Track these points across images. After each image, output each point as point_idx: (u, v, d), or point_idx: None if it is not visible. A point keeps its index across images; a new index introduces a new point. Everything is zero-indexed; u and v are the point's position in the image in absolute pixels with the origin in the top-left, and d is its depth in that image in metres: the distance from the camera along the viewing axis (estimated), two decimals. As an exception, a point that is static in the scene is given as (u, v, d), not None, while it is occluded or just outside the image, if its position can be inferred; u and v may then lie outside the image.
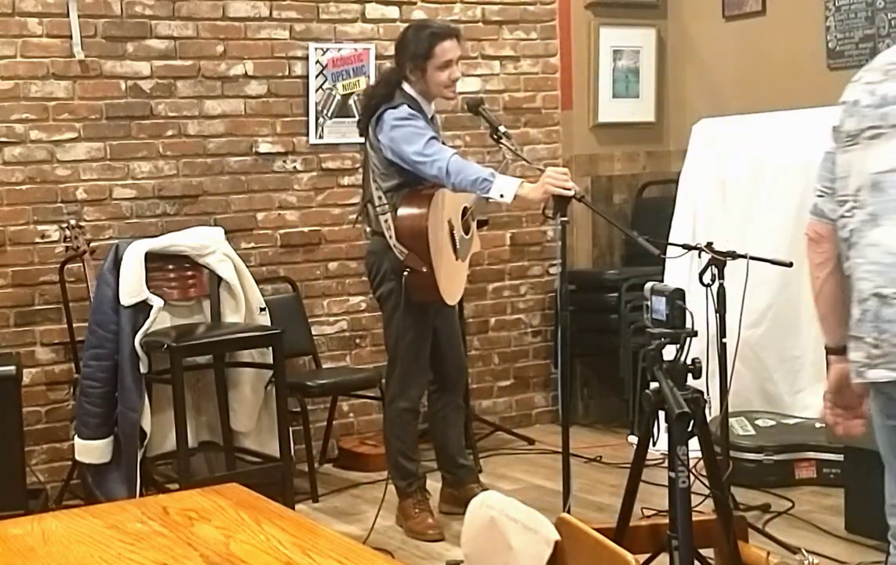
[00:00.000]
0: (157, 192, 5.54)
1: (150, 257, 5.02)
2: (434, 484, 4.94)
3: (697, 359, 3.19)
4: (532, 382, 6.58)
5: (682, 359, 3.16)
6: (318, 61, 5.86)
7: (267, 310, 5.33)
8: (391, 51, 4.83)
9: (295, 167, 5.87)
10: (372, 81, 5.76)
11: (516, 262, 6.52)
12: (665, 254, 4.50)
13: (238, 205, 5.73)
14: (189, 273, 5.19)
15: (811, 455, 5.08)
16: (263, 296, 5.41)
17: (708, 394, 3.35)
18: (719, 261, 4.35)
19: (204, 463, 5.28)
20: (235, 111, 5.70)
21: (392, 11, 6.05)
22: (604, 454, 5.69)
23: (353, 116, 5.72)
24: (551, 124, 6.60)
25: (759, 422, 5.37)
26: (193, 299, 5.23)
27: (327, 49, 5.89)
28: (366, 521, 4.80)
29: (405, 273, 4.49)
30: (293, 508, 4.61)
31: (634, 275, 6.01)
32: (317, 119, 5.88)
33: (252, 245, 5.75)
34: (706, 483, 3.34)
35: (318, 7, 5.88)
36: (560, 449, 4.12)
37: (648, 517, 4.31)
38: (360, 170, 4.95)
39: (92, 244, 5.10)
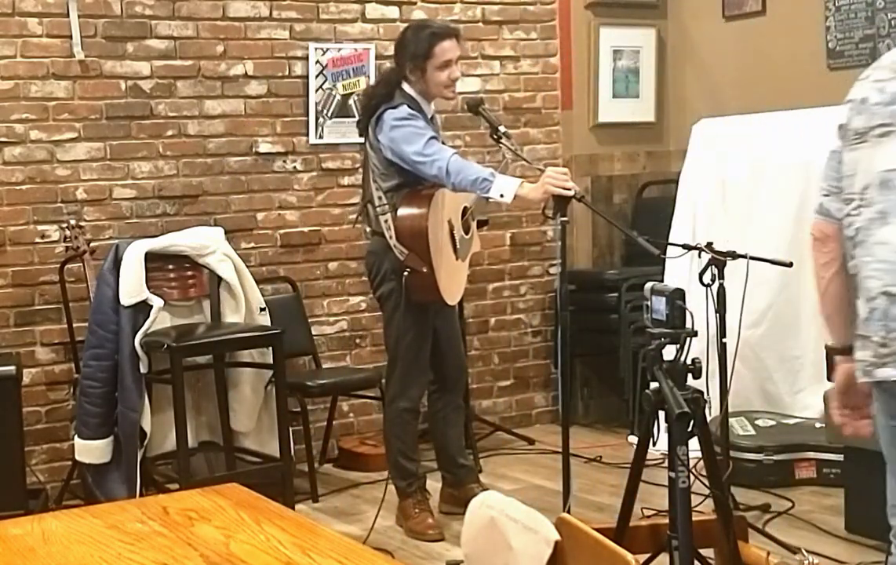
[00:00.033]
0: (157, 192, 5.54)
1: (150, 257, 5.02)
2: (434, 484, 4.94)
3: (697, 359, 3.19)
4: (532, 382, 6.58)
5: (682, 359, 3.16)
6: (318, 61, 5.86)
7: (267, 310, 5.33)
8: (391, 51, 4.83)
9: (295, 167, 5.87)
10: (372, 81, 5.75)
11: (516, 262, 6.52)
12: (665, 254, 4.50)
13: (238, 205, 5.73)
14: (189, 273, 5.19)
15: (811, 455, 5.08)
16: (263, 296, 5.41)
17: (708, 394, 3.35)
18: (719, 261, 4.35)
19: (204, 463, 5.28)
20: (235, 111, 5.70)
21: (392, 11, 6.05)
22: (604, 454, 5.69)
23: (353, 116, 5.72)
24: (551, 124, 6.60)
25: (759, 422, 5.37)
26: (193, 299, 5.23)
27: (327, 49, 5.89)
28: (366, 521, 4.80)
29: (405, 273, 4.49)
30: (293, 508, 4.61)
31: (634, 275, 6.01)
32: (317, 119, 5.88)
33: (252, 245, 5.75)
34: (706, 483, 3.35)
35: (318, 7, 5.88)
36: (560, 449, 4.12)
37: (648, 517, 4.31)
38: (360, 170, 4.95)
39: (92, 244, 5.10)
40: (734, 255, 4.36)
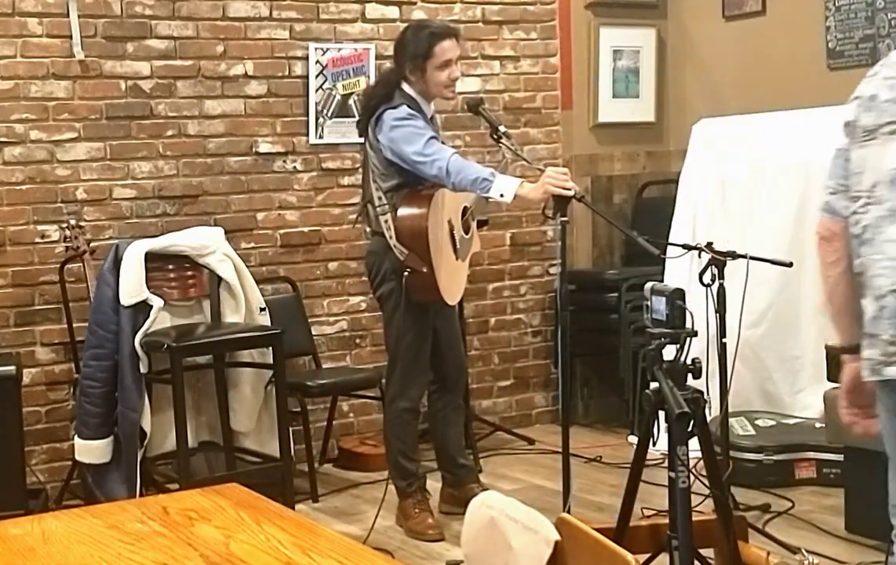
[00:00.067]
0: (157, 192, 5.54)
1: (150, 257, 5.02)
2: (434, 484, 4.94)
3: (697, 359, 3.19)
4: (532, 382, 6.58)
5: (682, 359, 3.16)
6: (318, 61, 5.86)
7: (267, 310, 5.33)
8: (391, 51, 4.83)
9: (295, 167, 5.87)
10: (372, 81, 5.75)
11: (516, 262, 6.52)
12: (665, 254, 4.50)
13: (238, 205, 5.73)
14: (189, 273, 5.19)
15: (811, 455, 5.08)
16: (263, 296, 5.41)
17: (708, 394, 3.35)
18: (719, 261, 4.35)
19: (204, 463, 5.28)
20: (235, 111, 5.70)
21: (392, 11, 6.05)
22: (604, 454, 5.69)
23: (353, 116, 5.72)
24: (551, 124, 6.60)
25: (759, 422, 5.37)
26: (193, 299, 5.23)
27: (327, 49, 5.89)
28: (366, 521, 4.80)
29: (405, 273, 4.49)
30: (293, 508, 4.61)
31: (634, 275, 6.01)
32: (317, 119, 5.88)
33: (252, 245, 5.75)
34: (706, 483, 3.35)
35: (318, 7, 5.88)
36: (560, 449, 4.12)
37: (648, 517, 4.31)
38: (360, 170, 4.95)
39: (92, 244, 5.10)
40: (734, 255, 4.35)
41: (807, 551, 3.91)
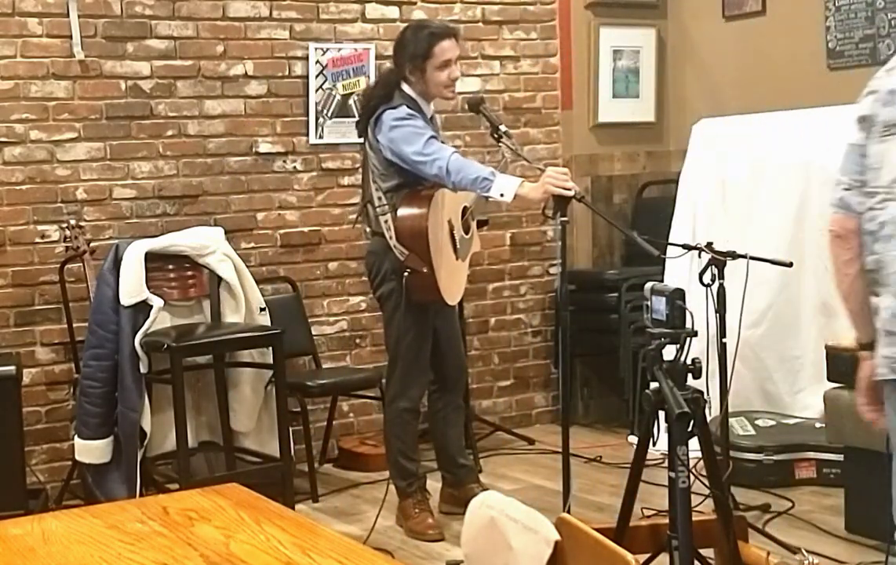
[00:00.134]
0: (157, 192, 5.54)
1: (150, 257, 5.02)
2: (434, 484, 4.94)
3: (697, 359, 3.19)
4: (532, 382, 6.58)
5: (682, 359, 3.16)
6: (318, 61, 5.86)
7: (267, 310, 5.33)
8: (391, 51, 4.83)
9: (295, 167, 5.87)
10: (372, 81, 5.75)
11: (516, 262, 6.52)
12: (665, 254, 4.50)
13: (238, 205, 5.73)
14: (189, 273, 5.19)
15: (811, 455, 5.08)
16: (263, 296, 5.41)
17: (708, 394, 3.35)
18: (719, 261, 4.35)
19: (204, 463, 5.28)
20: (235, 111, 5.70)
21: (392, 11, 6.05)
22: (604, 454, 5.69)
23: (353, 116, 5.71)
24: (551, 124, 6.60)
25: (759, 422, 5.37)
26: (193, 299, 5.23)
27: (327, 49, 5.89)
28: (366, 521, 4.80)
29: (406, 273, 4.49)
30: (293, 508, 4.61)
31: (634, 275, 6.01)
32: (317, 119, 5.88)
33: (252, 245, 5.75)
34: (706, 483, 3.35)
35: (318, 7, 5.88)
36: (560, 449, 4.12)
37: (648, 517, 4.31)
38: (360, 170, 4.95)
39: (92, 244, 5.10)
40: (734, 255, 4.35)
41: (807, 551, 3.92)
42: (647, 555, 3.27)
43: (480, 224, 5.31)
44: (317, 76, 5.86)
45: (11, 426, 4.74)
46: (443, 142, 4.56)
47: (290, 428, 5.08)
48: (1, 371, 4.78)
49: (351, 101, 5.90)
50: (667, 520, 3.22)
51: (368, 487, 5.40)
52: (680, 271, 4.98)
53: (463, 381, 5.10)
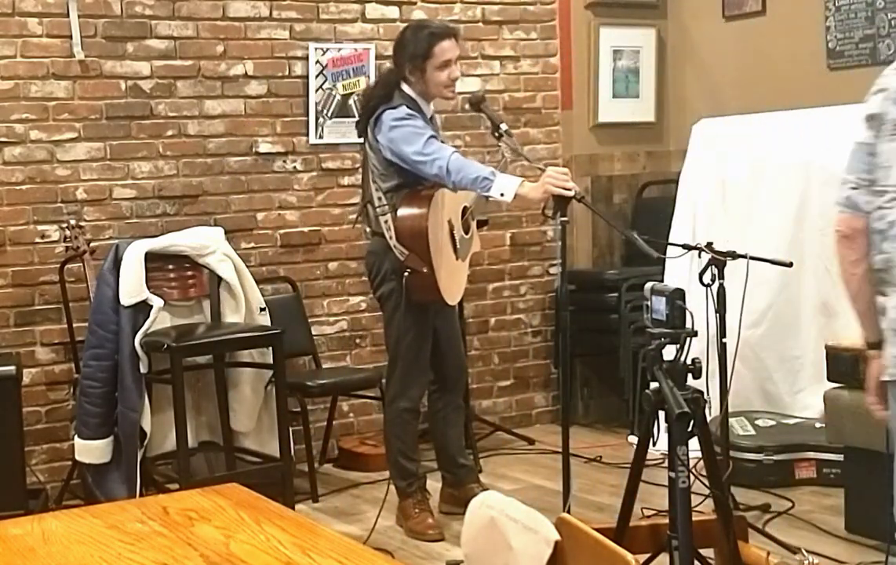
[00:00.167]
0: (157, 192, 5.54)
1: (150, 257, 5.02)
2: (434, 484, 4.94)
3: (697, 359, 3.19)
4: (532, 382, 6.58)
5: (682, 359, 3.16)
6: (318, 61, 5.86)
7: (267, 310, 5.33)
8: (391, 51, 4.83)
9: (295, 167, 5.87)
10: (372, 81, 5.75)
11: (516, 262, 6.52)
12: (664, 254, 4.50)
13: (238, 205, 5.73)
14: (189, 273, 5.19)
15: (811, 455, 5.08)
16: (263, 296, 5.41)
17: (708, 394, 3.35)
18: (719, 261, 4.35)
19: (204, 463, 5.28)
20: (235, 111, 5.70)
21: (392, 11, 6.05)
22: (604, 454, 5.69)
23: (353, 116, 5.71)
24: (551, 124, 6.60)
25: (759, 422, 5.37)
26: (193, 299, 5.23)
27: (327, 49, 5.89)
28: (366, 521, 4.81)
29: (406, 273, 4.49)
30: (293, 508, 4.61)
31: (634, 275, 6.01)
32: (317, 119, 5.88)
33: (252, 245, 5.75)
34: (706, 483, 3.34)
35: (318, 7, 5.88)
36: (560, 449, 4.12)
37: (648, 517, 4.31)
38: (360, 170, 4.95)
39: (92, 244, 5.10)
40: (734, 255, 4.35)
41: (807, 551, 3.92)
42: (647, 555, 3.27)
43: (480, 224, 5.31)
44: (317, 76, 5.86)
45: (11, 426, 4.74)
46: (443, 142, 4.56)
47: (290, 428, 5.08)
48: (1, 371, 4.78)
49: (351, 101, 5.90)
50: (667, 520, 3.22)
51: (368, 487, 5.40)
52: (680, 271, 4.98)
53: (463, 381, 5.10)
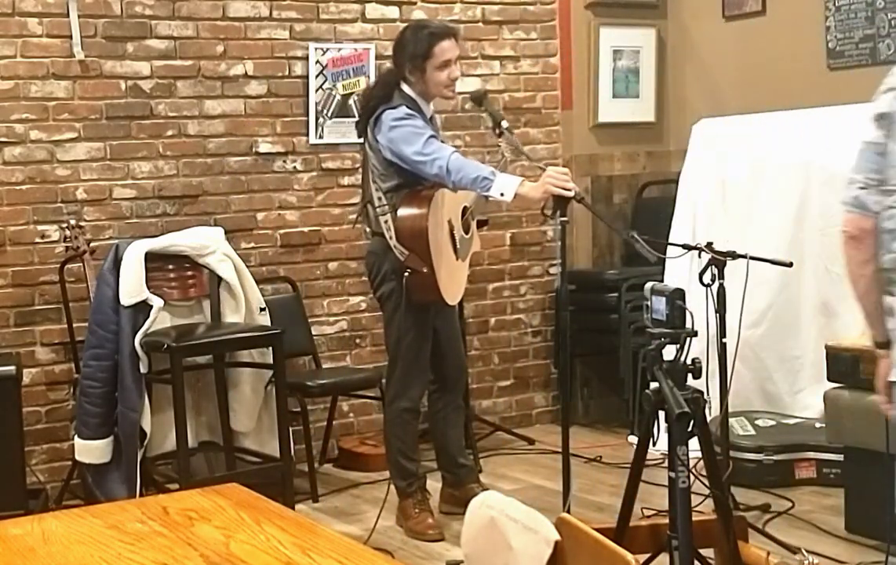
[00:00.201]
0: (157, 192, 5.54)
1: (150, 257, 5.02)
2: (434, 484, 4.94)
3: (697, 359, 3.19)
4: (532, 382, 6.58)
5: (682, 359, 3.16)
6: (318, 61, 5.86)
7: (267, 310, 5.33)
8: (391, 51, 4.83)
9: (295, 167, 5.87)
10: (372, 81, 5.75)
11: (516, 262, 6.52)
12: (663, 255, 4.50)
13: (238, 205, 5.73)
14: (189, 273, 5.19)
15: (811, 455, 5.08)
16: (263, 296, 5.41)
17: (708, 394, 3.35)
18: (719, 261, 4.35)
19: (204, 463, 5.28)
20: (235, 111, 5.70)
21: (392, 11, 6.05)
22: (604, 454, 5.69)
23: (353, 116, 5.71)
24: (551, 124, 6.60)
25: (759, 422, 5.37)
26: (193, 299, 5.23)
27: (327, 49, 5.89)
28: (366, 521, 4.81)
29: (406, 273, 4.49)
30: (293, 508, 4.61)
31: (634, 275, 6.01)
32: (317, 119, 5.88)
33: (252, 245, 5.75)
34: (706, 483, 3.34)
35: (318, 7, 5.88)
36: (560, 449, 4.12)
37: (648, 517, 4.31)
38: (360, 170, 4.95)
39: (92, 244, 5.10)
40: (734, 255, 4.36)
41: (807, 551, 3.91)
42: (647, 555, 3.27)
43: (480, 224, 5.31)
44: (317, 76, 5.86)
45: (11, 426, 4.74)
46: (442, 142, 4.56)
47: (290, 428, 5.08)
48: (1, 371, 4.78)
49: (351, 101, 5.89)
50: (667, 520, 3.22)
51: (368, 487, 5.40)
52: (680, 271, 4.99)
53: (463, 381, 5.10)
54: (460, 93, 5.29)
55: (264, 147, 5.77)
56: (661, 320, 3.19)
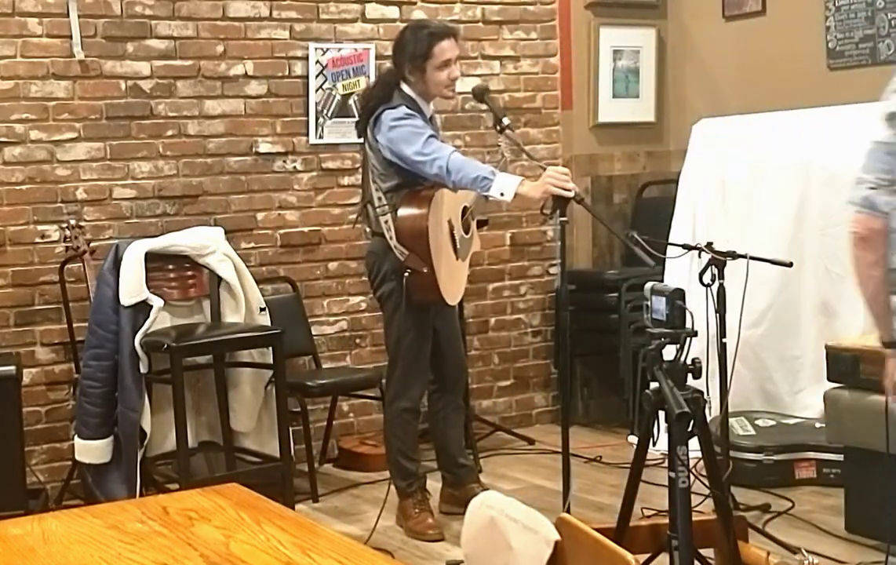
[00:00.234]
0: (157, 192, 5.54)
1: (150, 257, 5.02)
2: (434, 484, 4.94)
3: (697, 359, 3.19)
4: (532, 382, 6.58)
5: (682, 359, 3.16)
6: (318, 61, 5.86)
7: (267, 310, 5.33)
8: (391, 51, 4.83)
9: (295, 167, 5.87)
10: (372, 81, 5.75)
11: (516, 262, 6.52)
12: (663, 256, 4.50)
13: (238, 205, 5.73)
14: (189, 273, 5.19)
15: (811, 455, 5.08)
16: (263, 296, 5.41)
17: (708, 394, 3.35)
18: (719, 261, 4.35)
19: (204, 463, 5.28)
20: (235, 111, 5.70)
21: (392, 11, 6.05)
22: (604, 454, 5.69)
23: (353, 116, 5.71)
24: (551, 124, 6.60)
25: (759, 422, 5.37)
26: (193, 299, 5.23)
27: (327, 49, 5.89)
28: (366, 521, 4.81)
29: (406, 274, 4.49)
30: (293, 508, 4.61)
31: (634, 275, 6.01)
32: (317, 119, 5.88)
33: (252, 245, 5.75)
34: (706, 483, 3.34)
35: (318, 7, 5.88)
36: (560, 449, 4.12)
37: (648, 517, 4.31)
38: (360, 170, 4.95)
39: (92, 244, 5.10)
40: (734, 255, 4.36)
41: (807, 551, 3.91)
42: (647, 555, 3.27)
43: (480, 224, 5.31)
44: (317, 76, 5.86)
45: (11, 426, 4.74)
46: (442, 142, 4.55)
47: (290, 428, 5.08)
48: (1, 371, 4.78)
49: (351, 101, 5.89)
50: (667, 520, 3.22)
51: (368, 487, 5.40)
52: (680, 271, 4.98)
53: (463, 381, 5.10)
54: (460, 93, 5.29)
55: (264, 147, 5.78)
56: (661, 320, 3.19)
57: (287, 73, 5.82)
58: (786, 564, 3.88)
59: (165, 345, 4.76)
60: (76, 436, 4.99)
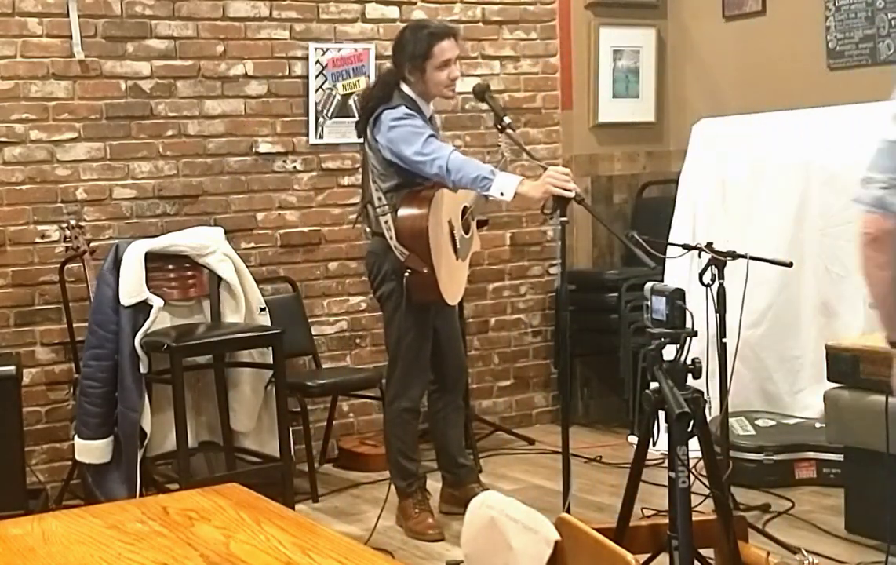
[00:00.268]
0: (157, 192, 5.54)
1: (150, 257, 5.03)
2: (434, 484, 4.94)
3: (697, 359, 3.19)
4: (532, 382, 6.58)
5: (682, 359, 3.16)
6: (318, 61, 5.86)
7: (267, 310, 5.33)
8: (391, 51, 4.82)
9: (295, 167, 5.87)
10: (372, 81, 5.75)
11: (516, 262, 6.52)
12: (663, 256, 4.50)
13: (238, 205, 5.73)
14: (189, 273, 5.19)
15: (811, 455, 5.08)
16: (263, 296, 5.41)
17: (708, 394, 3.35)
18: (719, 261, 4.35)
19: (204, 463, 5.28)
20: (235, 111, 5.70)
21: (392, 11, 6.05)
22: (604, 454, 5.69)
23: (353, 116, 5.70)
24: (551, 124, 6.60)
25: (759, 422, 5.37)
26: (193, 299, 5.23)
27: (327, 49, 5.89)
28: (366, 521, 4.81)
29: (406, 274, 4.49)
30: (293, 508, 4.61)
31: (634, 275, 6.01)
32: (317, 119, 5.88)
33: (252, 245, 5.75)
34: (706, 483, 3.34)
35: (318, 7, 5.88)
36: (560, 449, 4.12)
37: (648, 517, 4.31)
38: (360, 170, 4.95)
39: (92, 244, 5.10)
40: (734, 255, 4.36)
41: (807, 551, 3.91)
42: (647, 555, 3.27)
43: (480, 224, 5.31)
44: (317, 76, 5.86)
45: (11, 426, 4.74)
46: (442, 141, 4.55)
47: (290, 428, 5.08)
48: (1, 371, 4.78)
49: (351, 101, 5.89)
50: (667, 520, 3.22)
51: (368, 487, 5.40)
52: (680, 271, 4.99)
53: (463, 381, 5.10)
54: (460, 93, 5.29)
55: (264, 147, 5.78)
56: (661, 320, 3.19)
57: (287, 73, 5.82)
58: (786, 564, 3.88)
59: (165, 345, 4.76)
60: (76, 436, 4.99)
